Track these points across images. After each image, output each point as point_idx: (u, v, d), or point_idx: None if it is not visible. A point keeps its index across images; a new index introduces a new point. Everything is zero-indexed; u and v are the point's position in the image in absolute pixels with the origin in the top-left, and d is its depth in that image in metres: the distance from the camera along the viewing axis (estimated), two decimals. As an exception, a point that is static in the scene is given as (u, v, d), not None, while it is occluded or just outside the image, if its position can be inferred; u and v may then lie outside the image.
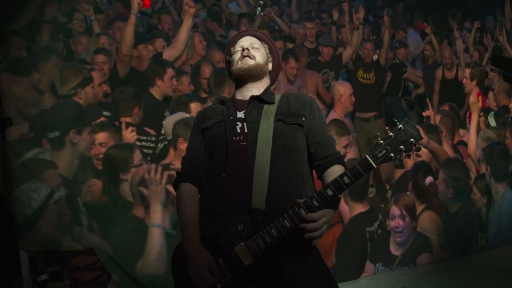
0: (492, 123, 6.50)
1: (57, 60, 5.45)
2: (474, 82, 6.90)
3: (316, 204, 2.83)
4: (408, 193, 5.63)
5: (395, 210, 5.31)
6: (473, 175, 6.15)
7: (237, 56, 3.44)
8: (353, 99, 6.75)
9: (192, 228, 3.05)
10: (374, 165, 2.81)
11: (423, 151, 5.94)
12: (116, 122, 5.15)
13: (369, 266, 5.48)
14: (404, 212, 5.30)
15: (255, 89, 3.37)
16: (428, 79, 8.01)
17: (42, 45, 5.64)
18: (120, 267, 4.81)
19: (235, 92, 3.45)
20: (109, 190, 4.76)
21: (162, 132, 5.35)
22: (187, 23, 6.05)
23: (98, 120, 5.12)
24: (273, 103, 3.26)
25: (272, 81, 3.56)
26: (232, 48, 3.56)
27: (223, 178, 3.06)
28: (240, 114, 3.26)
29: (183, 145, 4.90)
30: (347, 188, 2.83)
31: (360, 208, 5.52)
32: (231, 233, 2.95)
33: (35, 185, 4.43)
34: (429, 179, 5.73)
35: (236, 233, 2.93)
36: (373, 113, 7.80)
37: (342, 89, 6.61)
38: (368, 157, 2.82)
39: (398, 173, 6.08)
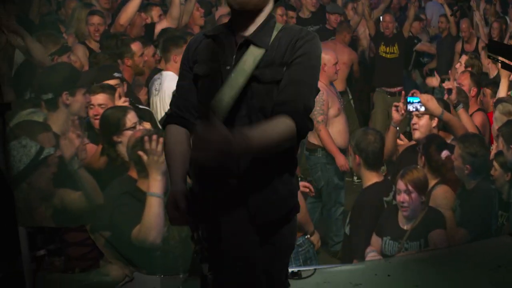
0: None
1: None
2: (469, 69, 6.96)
3: None
4: (418, 166, 5.50)
5: (400, 184, 5.23)
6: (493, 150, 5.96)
7: None
8: (338, 68, 6.71)
9: (179, 168, 2.97)
10: None
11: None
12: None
13: (375, 240, 5.40)
14: (410, 187, 5.20)
15: (252, 24, 2.98)
16: (441, 52, 7.91)
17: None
18: (112, 243, 5.02)
19: (230, 21, 3.07)
20: (107, 151, 4.91)
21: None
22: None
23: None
24: (262, 47, 2.89)
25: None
26: None
27: None
28: (229, 60, 2.95)
29: None
30: None
31: (375, 178, 5.53)
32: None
33: (25, 141, 4.58)
34: (445, 153, 5.59)
35: None
36: (398, 88, 7.80)
37: (326, 57, 6.53)
38: None
39: (401, 148, 6.10)
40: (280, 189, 2.91)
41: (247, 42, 2.87)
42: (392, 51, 8.05)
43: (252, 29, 2.93)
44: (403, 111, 5.83)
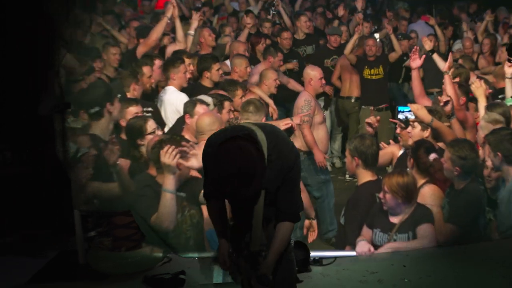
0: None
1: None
2: (456, 80, 7.43)
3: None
4: (407, 169, 6.10)
5: (383, 184, 5.87)
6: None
7: None
8: (323, 81, 7.63)
9: (219, 231, 4.16)
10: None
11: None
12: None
13: (366, 231, 5.99)
14: (386, 188, 5.78)
15: None
16: (428, 67, 8.52)
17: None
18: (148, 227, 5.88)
19: None
20: (133, 152, 6.01)
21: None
22: (178, 24, 8.04)
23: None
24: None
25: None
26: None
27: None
28: None
29: (189, 120, 6.27)
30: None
31: (369, 177, 6.21)
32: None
33: (67, 143, 5.72)
34: (433, 156, 6.14)
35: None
36: (384, 104, 8.51)
37: (312, 73, 7.56)
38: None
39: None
40: None
41: None
42: (377, 72, 8.78)
43: None
44: (376, 124, 6.61)
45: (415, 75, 7.42)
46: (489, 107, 6.82)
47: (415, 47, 7.85)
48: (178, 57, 7.53)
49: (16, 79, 6.11)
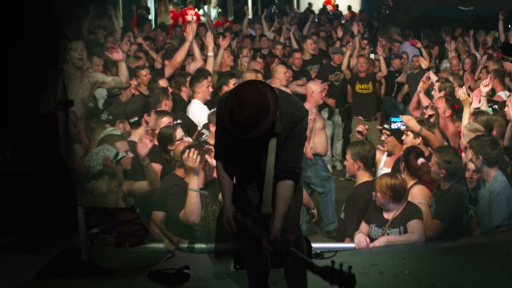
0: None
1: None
2: (442, 93, 8.21)
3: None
4: (397, 173, 6.63)
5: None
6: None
7: None
8: (323, 94, 8.48)
9: (227, 194, 4.53)
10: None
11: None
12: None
13: (363, 226, 6.59)
14: (377, 187, 6.41)
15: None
16: (412, 84, 9.56)
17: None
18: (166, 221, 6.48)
19: None
20: (164, 156, 6.72)
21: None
22: (195, 45, 9.05)
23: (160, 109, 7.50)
24: (277, 136, 4.22)
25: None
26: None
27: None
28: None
29: (213, 128, 6.99)
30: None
31: (367, 177, 6.89)
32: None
33: (108, 147, 6.35)
34: (421, 160, 6.73)
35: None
36: (373, 116, 9.45)
37: (314, 87, 8.47)
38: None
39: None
40: None
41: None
42: (367, 87, 9.72)
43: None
44: (365, 132, 7.37)
45: (421, 95, 8.25)
46: (475, 114, 7.47)
47: (427, 72, 8.88)
48: (201, 73, 8.47)
49: (19, 78, 6.41)
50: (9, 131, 6.54)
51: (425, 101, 7.77)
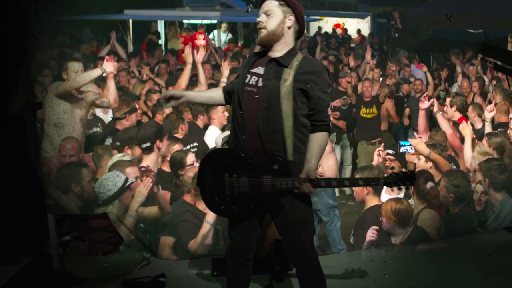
0: None
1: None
2: (454, 108, 8.23)
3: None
4: (402, 198, 6.71)
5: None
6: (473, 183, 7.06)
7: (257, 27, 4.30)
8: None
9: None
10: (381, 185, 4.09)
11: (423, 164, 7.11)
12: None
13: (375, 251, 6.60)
14: (382, 211, 6.49)
15: (276, 51, 4.29)
16: (414, 108, 9.51)
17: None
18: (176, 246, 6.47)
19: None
20: (174, 180, 6.77)
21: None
22: (201, 69, 8.89)
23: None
24: (287, 67, 4.19)
25: (301, 31, 4.38)
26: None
27: (240, 116, 4.26)
28: (260, 70, 4.28)
29: None
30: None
31: (375, 201, 6.79)
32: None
33: (117, 173, 6.41)
34: (430, 184, 6.78)
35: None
36: (377, 139, 9.49)
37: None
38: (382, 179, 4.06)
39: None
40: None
41: (276, 61, 4.24)
42: (371, 111, 9.77)
43: (276, 53, 4.28)
44: (384, 155, 7.29)
45: (422, 114, 8.18)
46: (489, 135, 7.52)
47: (426, 93, 8.86)
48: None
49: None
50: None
51: (443, 123, 7.77)
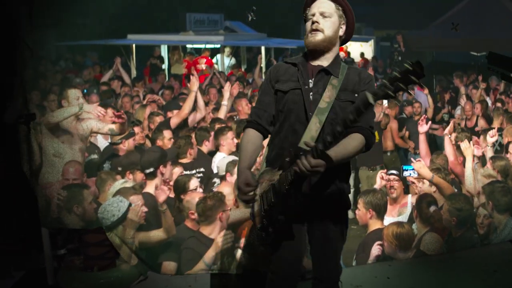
0: None
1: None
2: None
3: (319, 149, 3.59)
4: (404, 222, 6.71)
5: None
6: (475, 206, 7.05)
7: (308, 25, 3.96)
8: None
9: (247, 160, 4.05)
10: (371, 101, 3.32)
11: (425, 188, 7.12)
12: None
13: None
14: (384, 237, 6.49)
15: (324, 59, 4.02)
16: (413, 131, 9.61)
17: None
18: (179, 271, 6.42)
19: (306, 54, 4.10)
20: (177, 204, 6.73)
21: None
22: (199, 95, 9.09)
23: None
24: (337, 77, 3.96)
25: (346, 40, 4.12)
26: (307, 9, 4.00)
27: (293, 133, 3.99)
28: (312, 84, 3.98)
29: (229, 178, 7.01)
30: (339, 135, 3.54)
31: (378, 225, 6.76)
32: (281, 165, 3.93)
33: (121, 198, 6.38)
34: (433, 208, 6.76)
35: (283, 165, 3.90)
36: (378, 165, 9.48)
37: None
38: (367, 93, 3.34)
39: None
40: (333, 186, 4.03)
41: (324, 71, 3.98)
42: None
43: (324, 62, 4.01)
44: (388, 177, 7.28)
45: (422, 139, 8.19)
46: (493, 158, 7.55)
47: (423, 115, 8.84)
48: (226, 126, 8.53)
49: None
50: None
51: (448, 147, 7.75)
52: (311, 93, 3.99)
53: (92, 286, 5.97)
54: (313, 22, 3.90)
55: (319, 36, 3.91)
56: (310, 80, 4.00)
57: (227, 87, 9.45)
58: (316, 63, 4.04)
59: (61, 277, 6.02)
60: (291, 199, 3.86)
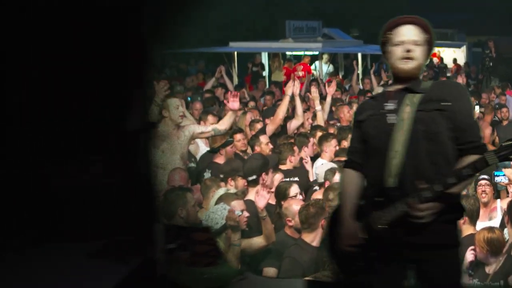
0: None
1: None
2: None
3: (428, 195, 3.51)
4: (495, 227, 6.60)
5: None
6: None
7: (398, 52, 3.82)
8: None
9: (348, 205, 3.97)
10: (490, 162, 3.30)
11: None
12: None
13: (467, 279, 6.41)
14: (476, 243, 6.39)
15: (409, 81, 3.85)
16: (502, 136, 9.71)
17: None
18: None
19: (392, 81, 4.05)
20: (278, 210, 6.94)
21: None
22: (298, 101, 9.28)
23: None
24: (418, 92, 3.78)
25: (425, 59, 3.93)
26: (389, 33, 3.86)
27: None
28: (391, 106, 3.84)
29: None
30: (463, 181, 3.46)
31: (471, 231, 6.76)
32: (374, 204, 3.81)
33: (224, 206, 6.53)
34: None
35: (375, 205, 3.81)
36: None
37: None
38: (485, 155, 3.32)
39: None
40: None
41: (407, 90, 3.82)
42: None
43: (409, 84, 3.84)
44: (479, 182, 7.27)
45: None
46: None
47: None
48: (330, 133, 8.76)
49: (106, 96, 6.11)
50: (100, 145, 6.35)
51: None
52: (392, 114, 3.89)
53: (196, 280, 6.09)
54: (407, 50, 3.79)
55: (412, 64, 3.82)
56: (390, 103, 3.91)
57: (314, 92, 9.66)
58: (399, 86, 3.95)
59: (170, 269, 6.19)
60: (387, 239, 3.78)
